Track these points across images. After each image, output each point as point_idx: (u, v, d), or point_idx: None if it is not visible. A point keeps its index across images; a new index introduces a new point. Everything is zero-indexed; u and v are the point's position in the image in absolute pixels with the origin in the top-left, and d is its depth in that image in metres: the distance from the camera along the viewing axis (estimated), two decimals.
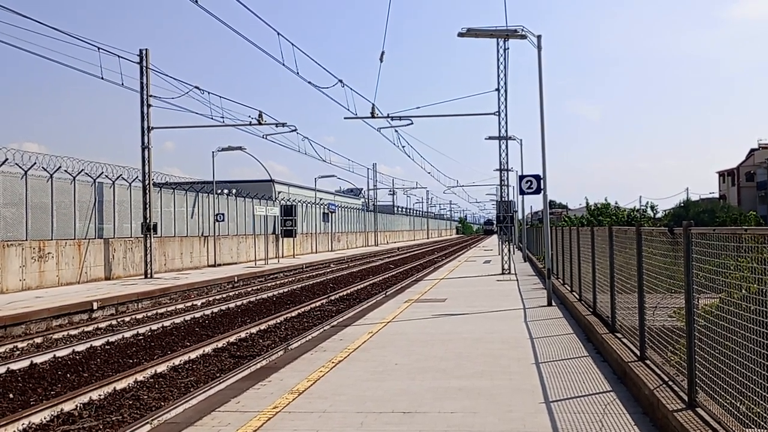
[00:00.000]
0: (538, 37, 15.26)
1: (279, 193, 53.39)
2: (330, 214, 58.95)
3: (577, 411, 6.10)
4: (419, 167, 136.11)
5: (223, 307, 18.33)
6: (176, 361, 11.00)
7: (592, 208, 49.55)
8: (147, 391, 9.34)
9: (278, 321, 15.76)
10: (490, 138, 30.31)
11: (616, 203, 49.87)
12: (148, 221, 27.02)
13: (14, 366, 10.82)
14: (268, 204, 40.60)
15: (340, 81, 23.74)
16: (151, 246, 26.92)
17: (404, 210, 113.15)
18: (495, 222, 34.61)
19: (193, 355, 11.53)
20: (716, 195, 76.83)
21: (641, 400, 6.18)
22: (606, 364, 8.04)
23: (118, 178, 27.13)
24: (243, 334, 13.73)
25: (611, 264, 8.93)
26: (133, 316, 16.87)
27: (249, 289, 23.72)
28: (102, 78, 21.96)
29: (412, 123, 28.20)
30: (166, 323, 15.45)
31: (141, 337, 13.75)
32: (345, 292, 22.31)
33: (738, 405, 4.35)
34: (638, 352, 7.11)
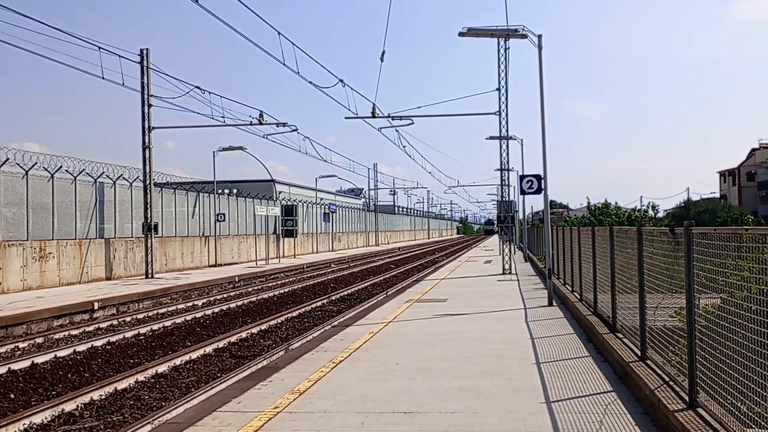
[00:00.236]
0: (539, 37, 15.26)
1: (280, 193, 53.41)
2: (331, 214, 58.96)
3: (578, 411, 6.10)
4: (420, 167, 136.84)
5: (224, 307, 18.33)
6: (177, 361, 11.00)
7: (593, 208, 49.55)
8: (148, 391, 9.35)
9: (279, 321, 15.77)
10: (491, 138, 30.32)
11: (617, 203, 49.89)
12: (149, 221, 27.03)
13: (15, 366, 10.83)
14: (268, 204, 40.61)
15: (341, 81, 23.76)
16: (152, 246, 26.93)
17: (405, 210, 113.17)
18: (496, 222, 34.61)
19: (194, 355, 11.53)
20: (717, 195, 76.82)
21: (642, 400, 6.18)
22: (607, 364, 8.04)
23: (119, 178, 27.15)
24: (244, 334, 13.74)
25: (612, 264, 8.93)
26: (134, 316, 16.88)
27: (250, 289, 23.72)
28: (103, 78, 21.99)
29: (412, 123, 28.22)
30: (167, 323, 15.46)
31: (142, 337, 13.76)
32: (346, 292, 22.31)
33: (739, 405, 4.34)
34: (639, 352, 7.11)
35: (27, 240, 21.79)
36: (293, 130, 31.16)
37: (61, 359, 11.56)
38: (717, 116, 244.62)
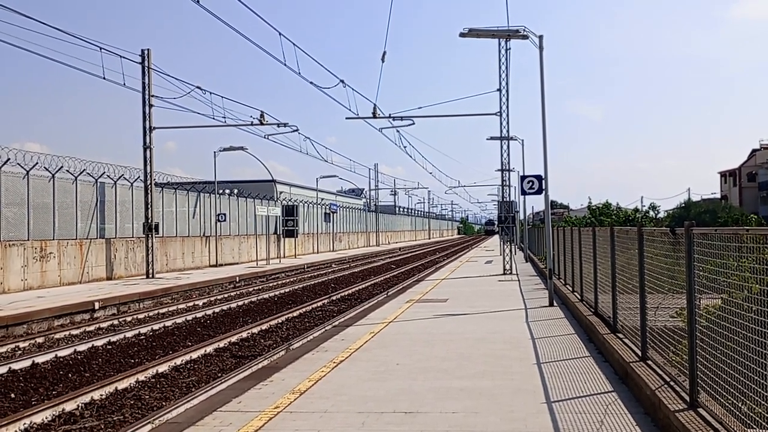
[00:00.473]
0: (540, 38, 15.26)
1: (281, 193, 53.42)
2: (331, 214, 58.97)
3: (579, 411, 6.10)
4: (421, 167, 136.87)
5: (224, 307, 18.33)
6: (178, 361, 11.00)
7: (594, 208, 49.50)
8: (148, 390, 9.35)
9: (280, 321, 15.77)
10: (492, 138, 30.31)
11: (618, 204, 49.80)
12: (149, 221, 27.04)
13: (16, 366, 10.83)
14: (269, 204, 40.62)
15: (342, 81, 23.74)
16: (152, 246, 26.94)
17: (406, 210, 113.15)
18: (496, 222, 34.59)
19: (194, 355, 11.53)
20: (718, 195, 76.79)
21: (643, 401, 6.17)
22: (607, 365, 8.04)
23: (119, 178, 27.16)
24: (244, 334, 13.74)
25: (613, 264, 8.93)
26: (135, 316, 16.89)
27: (250, 289, 23.73)
28: (104, 78, 21.99)
29: (413, 123, 28.21)
30: (168, 323, 15.46)
31: (142, 337, 13.76)
32: (346, 292, 22.31)
33: (740, 405, 4.34)
34: (640, 353, 7.10)
35: (28, 240, 21.80)
36: (294, 131, 31.19)
37: (61, 359, 11.57)
38: (717, 116, 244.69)
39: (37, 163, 22.36)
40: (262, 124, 29.06)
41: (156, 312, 17.75)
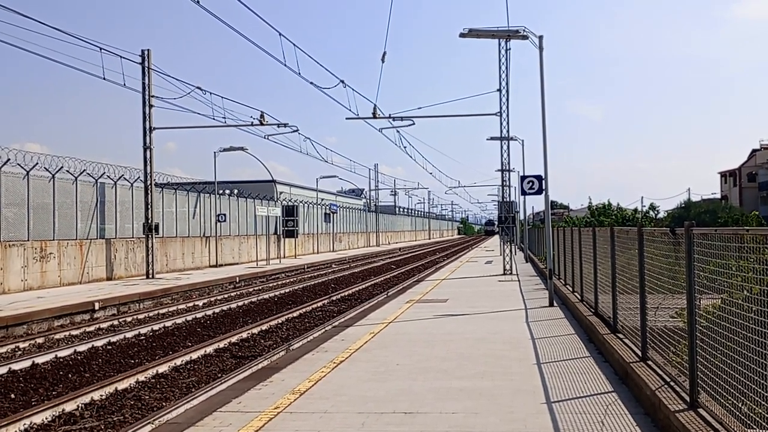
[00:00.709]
0: (540, 38, 15.26)
1: (281, 193, 53.43)
2: (332, 214, 58.97)
3: (579, 411, 6.10)
4: (421, 168, 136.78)
5: (224, 308, 18.33)
6: (178, 362, 11.00)
7: (594, 208, 49.54)
8: (148, 391, 9.35)
9: (280, 321, 15.76)
10: (492, 138, 30.31)
11: (618, 204, 49.85)
12: (149, 221, 27.05)
13: (16, 366, 10.83)
14: (269, 204, 40.62)
15: (342, 81, 23.74)
16: (152, 246, 26.94)
17: (406, 210, 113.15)
18: (496, 222, 34.58)
19: (194, 356, 11.53)
20: (718, 195, 76.80)
21: (643, 401, 6.17)
22: (607, 365, 8.04)
23: (120, 178, 27.16)
24: (244, 335, 13.74)
25: (613, 264, 8.93)
26: (135, 317, 16.89)
27: (250, 290, 23.72)
28: (104, 78, 21.99)
29: (413, 123, 28.21)
30: (168, 323, 15.46)
31: (142, 338, 13.76)
32: (346, 293, 22.30)
33: (740, 405, 4.34)
34: (640, 353, 7.10)
35: (28, 240, 21.80)
36: (294, 131, 31.20)
37: (61, 359, 11.56)
38: (718, 116, 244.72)
39: (37, 163, 22.36)
40: (262, 124, 29.06)
41: (156, 312, 17.75)
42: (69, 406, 8.37)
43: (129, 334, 13.92)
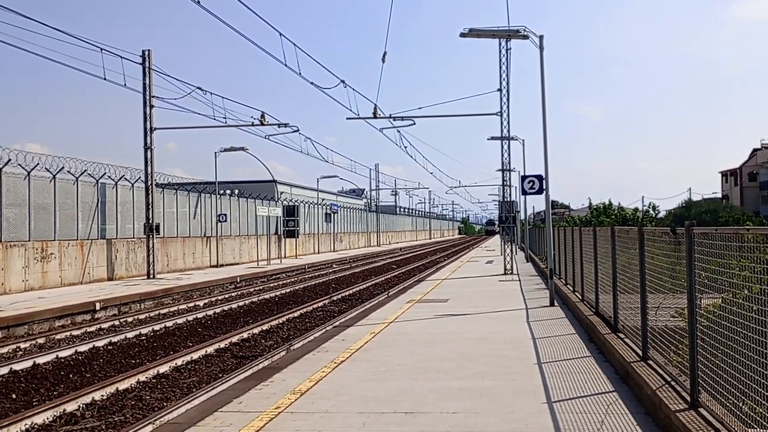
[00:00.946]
0: (540, 38, 15.25)
1: (281, 193, 53.42)
2: (332, 214, 58.97)
3: (580, 411, 6.10)
4: (421, 167, 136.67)
5: (225, 308, 18.34)
6: (179, 362, 11.01)
7: (595, 208, 49.55)
8: (149, 391, 9.35)
9: (280, 321, 15.77)
10: (493, 138, 30.31)
11: (619, 204, 49.87)
12: (150, 222, 27.06)
13: (17, 366, 10.84)
14: (270, 204, 40.63)
15: (343, 81, 23.75)
16: (153, 246, 26.96)
17: (406, 210, 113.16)
18: (497, 222, 34.56)
19: (195, 356, 11.54)
20: (719, 195, 76.77)
21: (644, 401, 6.17)
22: (608, 365, 8.03)
23: (120, 178, 27.18)
24: (245, 335, 13.74)
25: (613, 264, 8.92)
26: (136, 317, 16.90)
27: (251, 290, 23.73)
28: (104, 79, 22.02)
29: (414, 123, 28.21)
30: (169, 323, 15.46)
31: (143, 338, 13.77)
32: (347, 293, 22.31)
33: (741, 405, 4.34)
34: (640, 352, 7.10)
35: (29, 241, 21.81)
36: (295, 131, 31.19)
37: (62, 359, 11.57)
38: (718, 116, 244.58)
39: (38, 164, 22.38)
40: (262, 124, 29.07)
41: (157, 312, 17.75)
42: (70, 407, 8.38)
43: (130, 334, 13.92)
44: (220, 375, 10.23)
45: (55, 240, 23.00)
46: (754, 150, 73.85)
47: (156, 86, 27.19)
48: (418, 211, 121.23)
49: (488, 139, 31.67)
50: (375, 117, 26.65)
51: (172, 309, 18.51)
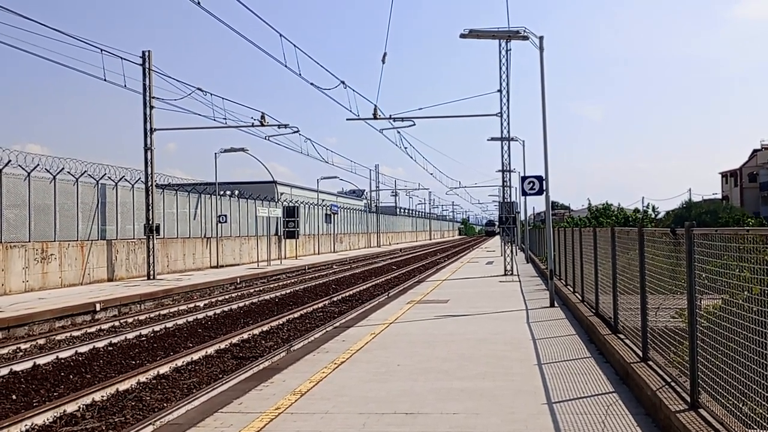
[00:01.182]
0: (540, 38, 15.27)
1: (281, 194, 53.43)
2: (332, 215, 58.98)
3: (580, 412, 6.10)
4: (421, 168, 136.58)
5: (225, 309, 18.34)
6: (179, 362, 11.01)
7: (594, 209, 49.56)
8: (150, 392, 9.35)
9: (281, 322, 15.77)
10: (493, 139, 30.32)
11: (619, 204, 49.87)
12: (150, 222, 27.06)
13: (17, 367, 10.84)
14: (270, 205, 40.63)
15: (343, 82, 23.76)
16: (153, 247, 26.96)
17: (406, 211, 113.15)
18: (497, 223, 34.56)
19: (195, 357, 11.54)
20: (719, 196, 76.74)
21: (644, 401, 6.17)
22: (608, 365, 8.04)
23: (120, 179, 27.19)
24: (245, 335, 13.74)
25: (613, 265, 8.92)
26: (136, 318, 16.90)
27: (251, 291, 23.74)
28: (105, 80, 22.01)
29: (414, 124, 28.21)
30: (169, 324, 15.47)
31: (144, 339, 13.77)
32: (347, 294, 22.31)
33: (741, 406, 4.34)
34: (641, 353, 7.10)
35: (29, 241, 21.82)
36: (295, 132, 31.19)
37: (62, 360, 11.57)
38: (718, 117, 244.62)
39: (38, 164, 22.39)
40: (262, 125, 29.07)
41: (157, 313, 17.76)
42: (70, 407, 8.38)
43: (130, 335, 13.92)
44: (221, 376, 10.23)
45: (55, 241, 23.01)
46: (754, 151, 73.83)
47: (156, 87, 27.23)
48: (419, 211, 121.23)
49: (488, 139, 31.74)
50: (375, 118, 26.66)
51: (172, 310, 18.51)
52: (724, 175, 78.68)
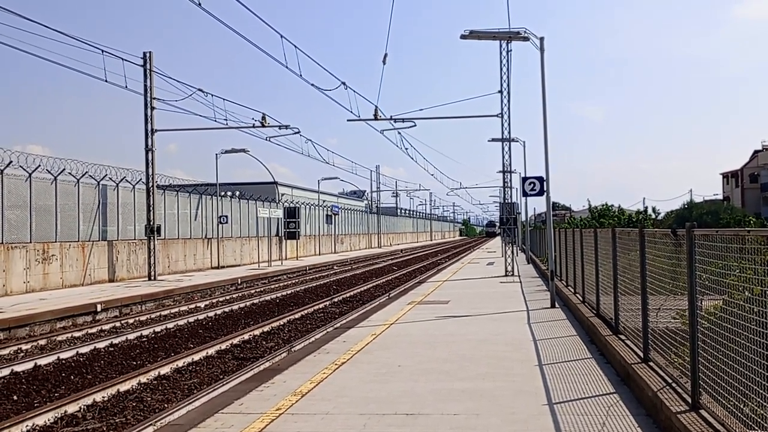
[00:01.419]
0: (541, 39, 15.26)
1: (282, 195, 53.45)
2: (333, 216, 58.99)
3: (580, 413, 6.10)
4: (422, 169, 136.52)
5: (226, 309, 18.35)
6: (180, 363, 11.01)
7: (595, 209, 49.53)
8: (150, 393, 9.36)
9: (281, 323, 15.77)
10: (493, 140, 30.30)
11: (619, 206, 49.82)
12: (151, 223, 27.08)
13: (18, 368, 10.85)
14: (271, 206, 40.64)
15: (343, 83, 23.77)
16: (154, 248, 26.97)
17: (407, 212, 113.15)
18: (498, 223, 34.56)
19: (196, 357, 11.54)
20: (720, 196, 76.71)
21: (644, 402, 6.17)
22: (609, 366, 8.03)
23: (121, 180, 27.21)
24: (246, 336, 13.75)
25: (614, 265, 8.92)
26: (137, 318, 16.91)
27: (252, 291, 23.74)
28: (106, 81, 22.01)
29: (415, 125, 28.19)
30: (170, 325, 15.47)
31: (144, 339, 13.77)
32: (348, 294, 22.31)
33: (742, 407, 4.34)
34: (642, 354, 7.10)
35: (30, 242, 21.83)
36: (295, 133, 31.18)
37: (63, 361, 11.58)
38: (720, 117, 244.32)
39: (39, 165, 22.42)
40: (263, 126, 29.09)
41: (158, 314, 17.76)
42: (71, 408, 8.38)
43: (131, 336, 13.93)
44: (221, 376, 10.23)
45: (56, 242, 23.03)
46: (755, 151, 73.83)
47: (157, 88, 27.28)
48: (419, 212, 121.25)
49: (489, 140, 31.73)
50: (376, 119, 26.66)
51: (173, 310, 18.52)
52: (725, 175, 78.67)
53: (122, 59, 23.10)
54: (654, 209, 47.90)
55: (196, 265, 32.73)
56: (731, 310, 4.55)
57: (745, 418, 4.28)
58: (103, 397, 8.96)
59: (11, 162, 21.09)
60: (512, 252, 25.91)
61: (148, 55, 26.84)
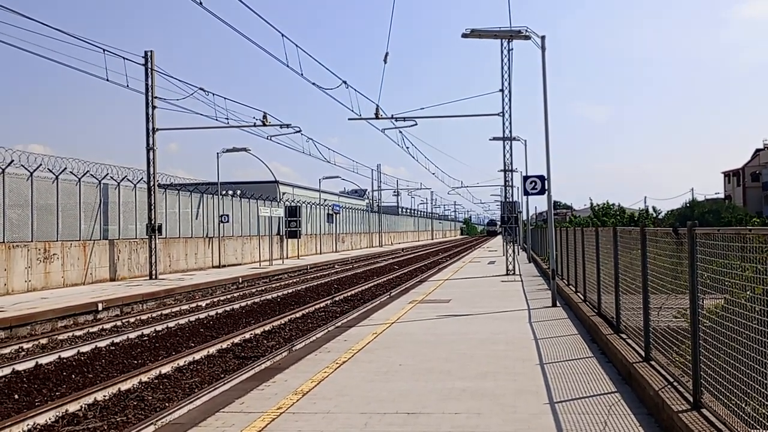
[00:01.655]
0: (542, 38, 15.25)
1: (283, 194, 53.45)
2: (334, 215, 58.98)
3: (582, 412, 6.09)
4: (423, 168, 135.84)
5: (227, 308, 18.35)
6: (181, 362, 11.01)
7: (596, 208, 49.49)
8: (151, 391, 9.36)
9: (282, 322, 15.77)
10: (495, 139, 30.27)
11: (620, 204, 49.80)
12: (153, 222, 27.08)
13: (19, 367, 10.86)
14: (272, 205, 40.63)
15: (345, 82, 23.78)
16: (155, 247, 26.98)
17: (408, 211, 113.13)
18: (499, 222, 34.56)
19: (197, 356, 11.54)
20: (721, 195, 76.64)
21: (646, 401, 6.16)
22: (611, 365, 8.03)
23: (123, 179, 27.22)
24: (247, 335, 13.75)
25: (616, 264, 8.91)
26: (138, 317, 16.91)
27: (253, 290, 23.75)
28: (107, 80, 22.05)
29: (416, 124, 28.21)
30: (171, 324, 15.48)
31: (146, 338, 13.78)
32: (349, 293, 22.31)
33: (743, 406, 4.33)
34: (643, 353, 7.09)
35: (31, 241, 21.84)
36: (297, 132, 31.19)
37: (65, 360, 11.59)
38: (721, 117, 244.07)
39: (40, 164, 22.43)
40: (264, 125, 29.08)
41: (159, 313, 17.77)
42: (72, 407, 8.39)
43: (132, 335, 13.94)
44: (222, 375, 10.24)
45: (57, 241, 23.04)
46: (757, 150, 73.68)
47: (158, 87, 27.28)
48: (420, 211, 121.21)
49: (490, 139, 31.66)
50: (377, 117, 26.66)
51: (174, 309, 18.53)
52: (726, 174, 78.57)
53: (124, 58, 23.15)
54: (655, 208, 47.92)
55: (197, 264, 32.74)
56: (733, 309, 4.54)
57: (746, 417, 4.27)
58: (104, 396, 8.97)
59: (13, 161, 21.10)
60: (513, 251, 25.89)
61: (149, 54, 26.83)
